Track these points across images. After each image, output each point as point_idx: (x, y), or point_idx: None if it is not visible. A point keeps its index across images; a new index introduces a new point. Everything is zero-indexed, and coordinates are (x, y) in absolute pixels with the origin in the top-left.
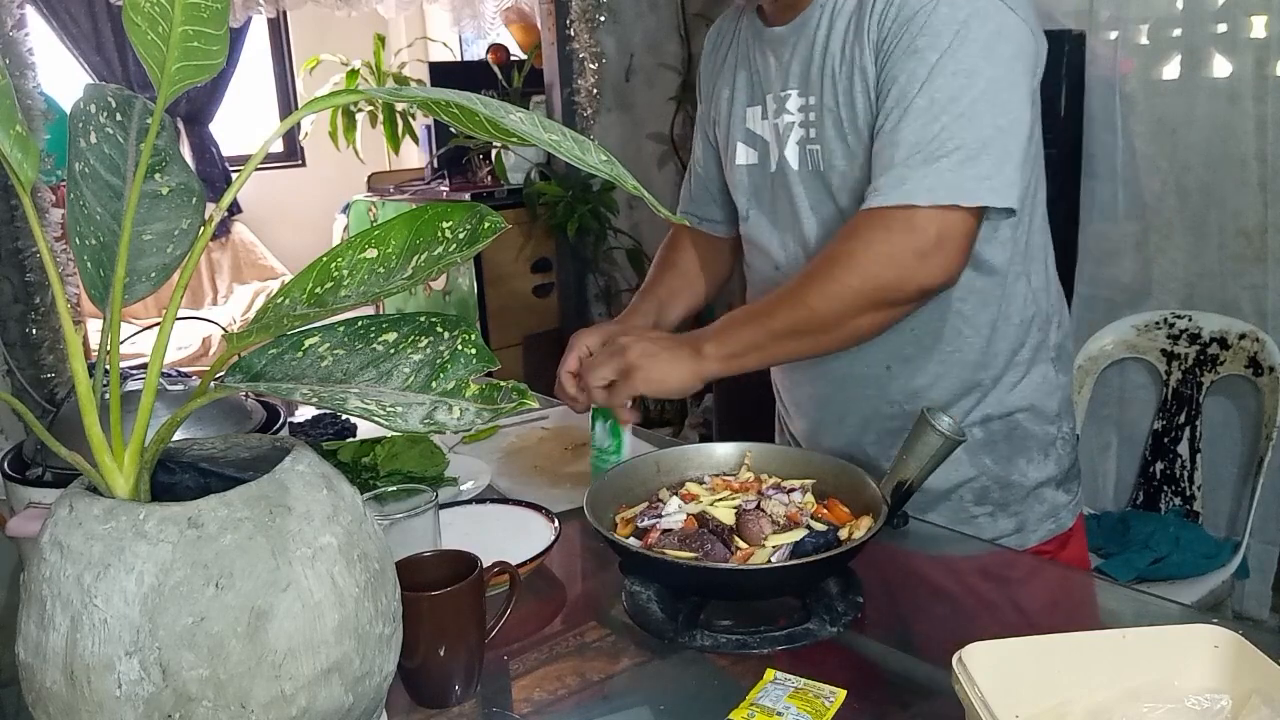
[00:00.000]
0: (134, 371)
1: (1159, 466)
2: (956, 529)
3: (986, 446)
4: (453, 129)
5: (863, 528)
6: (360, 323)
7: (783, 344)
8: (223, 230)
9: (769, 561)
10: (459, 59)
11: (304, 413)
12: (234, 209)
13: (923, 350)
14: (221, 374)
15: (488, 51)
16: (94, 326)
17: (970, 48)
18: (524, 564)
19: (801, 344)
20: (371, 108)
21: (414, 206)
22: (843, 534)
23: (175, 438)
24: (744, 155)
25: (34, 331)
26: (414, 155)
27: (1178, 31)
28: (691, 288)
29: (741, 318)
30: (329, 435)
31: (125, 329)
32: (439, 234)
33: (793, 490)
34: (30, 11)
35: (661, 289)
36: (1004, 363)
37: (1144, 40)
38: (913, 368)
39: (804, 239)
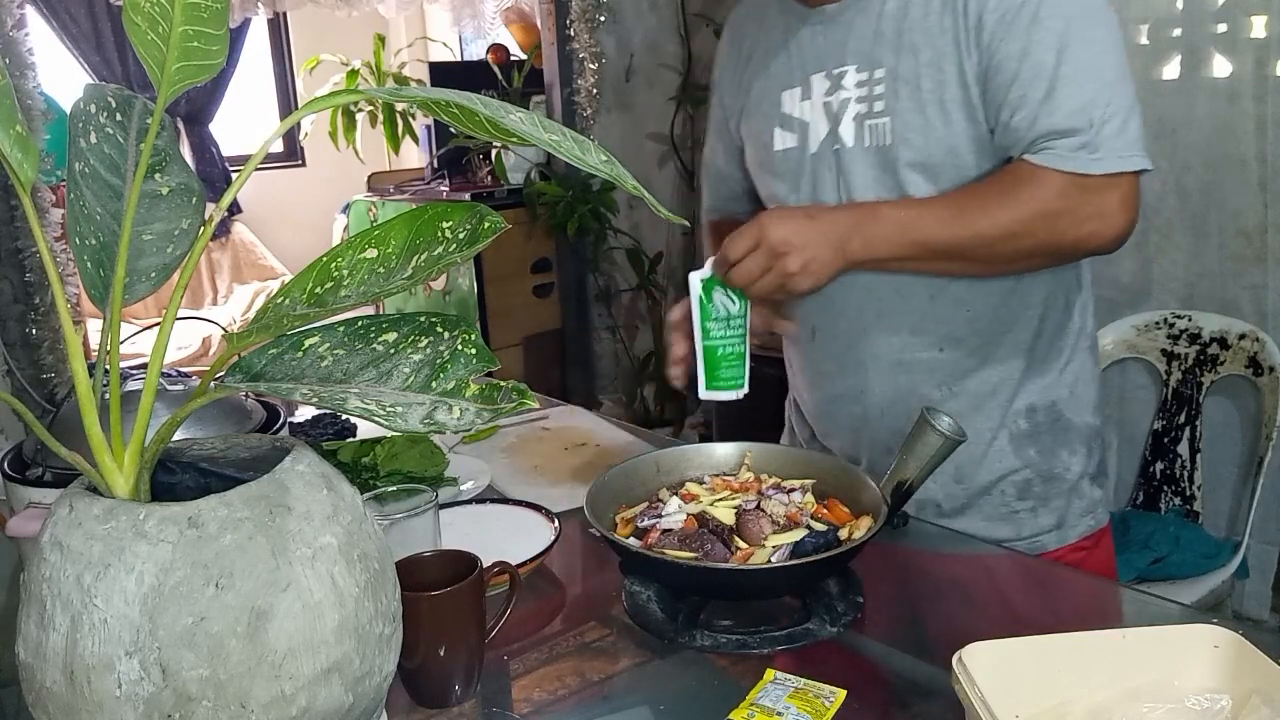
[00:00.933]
0: (134, 371)
1: (1159, 466)
2: (996, 527)
3: (1031, 437)
4: (453, 129)
5: (863, 528)
6: (360, 323)
7: (933, 263)
8: (223, 230)
9: (769, 561)
10: (459, 59)
11: (304, 413)
12: (234, 209)
13: (976, 331)
14: (221, 374)
15: (488, 51)
16: (94, 326)
17: (1093, 17)
18: (524, 564)
19: (952, 267)
20: (371, 108)
21: (414, 206)
22: (843, 534)
23: (175, 438)
24: (781, 140)
25: (34, 331)
26: (414, 155)
27: (1178, 31)
28: None
29: (896, 223)
30: (329, 435)
31: (125, 329)
32: (439, 234)
33: (793, 490)
34: (30, 11)
35: None
36: (1050, 346)
37: (1144, 40)
38: (965, 349)
39: None
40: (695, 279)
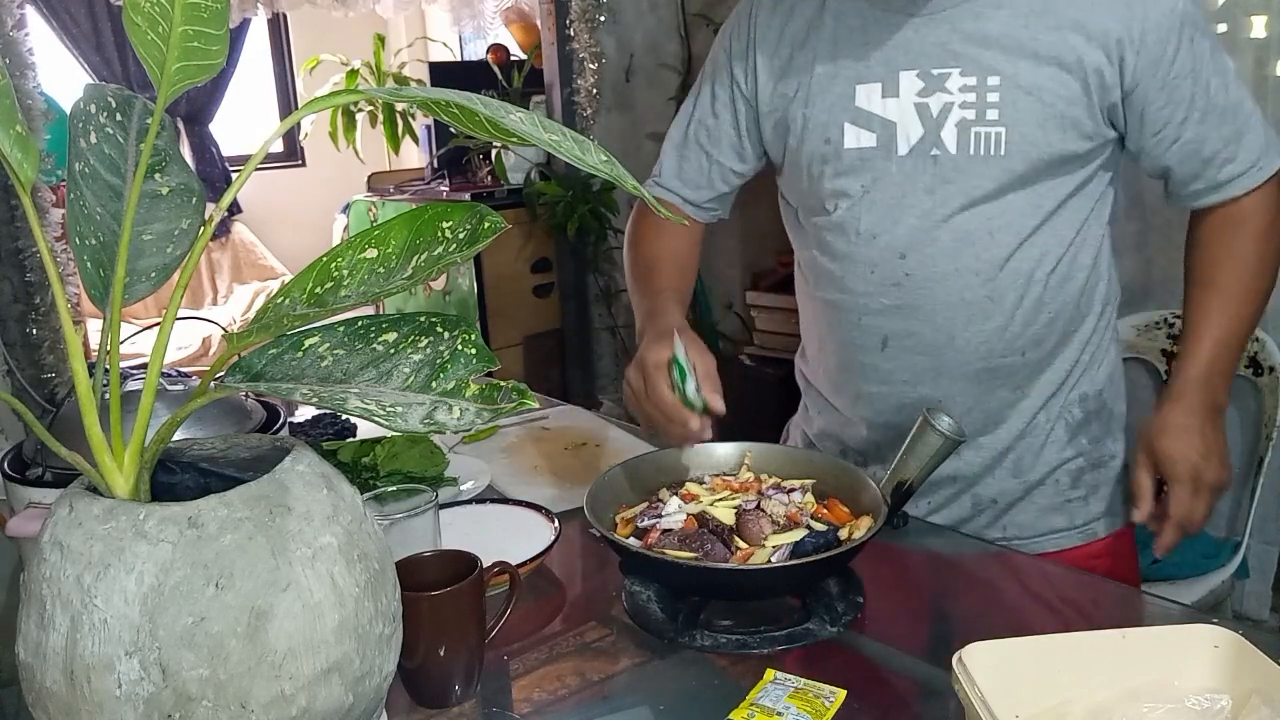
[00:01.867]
0: (134, 371)
1: None
2: (1051, 518)
3: (1083, 426)
4: (453, 129)
5: (863, 528)
6: (360, 323)
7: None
8: (223, 230)
9: (769, 561)
10: (459, 59)
11: (304, 413)
12: (234, 209)
13: (1054, 331)
14: (221, 374)
15: (488, 51)
16: (94, 326)
17: (1204, 24)
18: (524, 564)
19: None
20: (371, 108)
21: (414, 206)
22: (843, 534)
23: (175, 438)
24: (854, 137)
25: (34, 331)
26: (414, 155)
27: None
28: (689, 278)
29: (1227, 350)
30: (329, 435)
31: (125, 329)
32: (439, 234)
33: (793, 490)
34: (30, 11)
35: (674, 283)
36: (1099, 338)
37: None
38: (1043, 350)
39: (952, 224)
40: (684, 353)
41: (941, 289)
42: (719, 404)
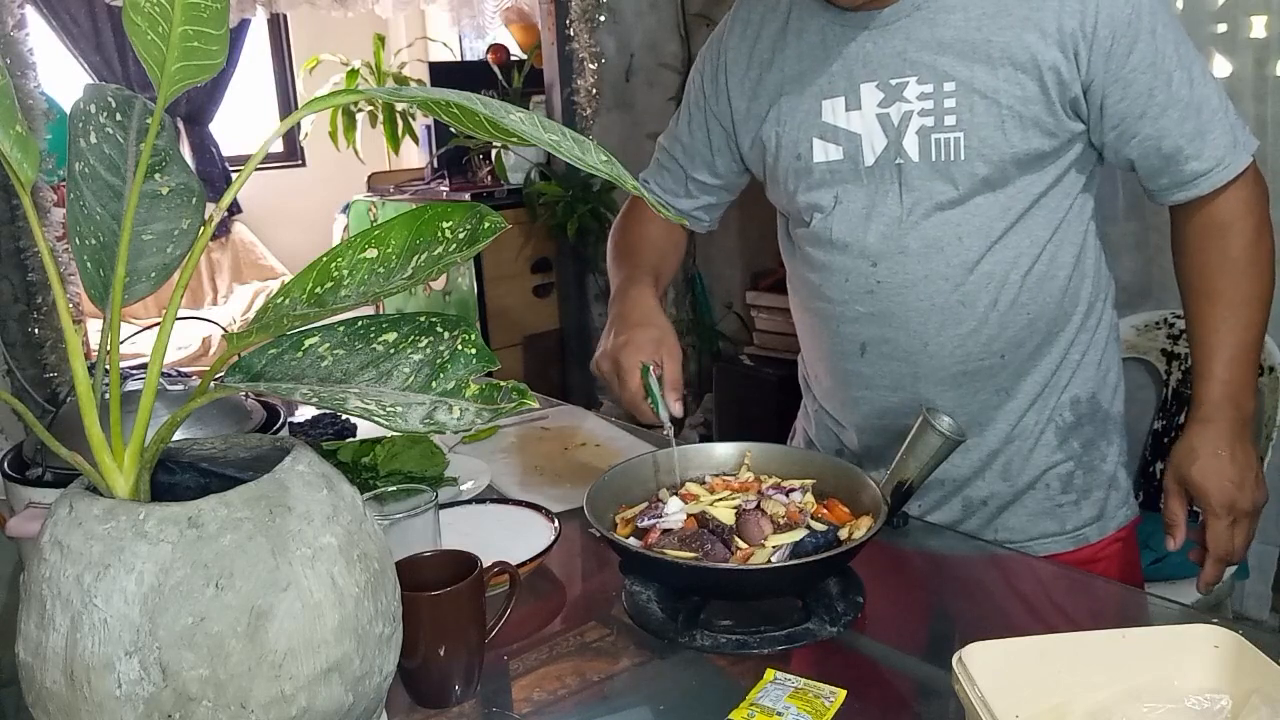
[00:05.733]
0: (134, 371)
1: (1159, 466)
2: (1041, 522)
3: (1075, 429)
4: (453, 129)
5: (863, 528)
6: (360, 323)
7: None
8: (223, 230)
9: (769, 561)
10: (459, 59)
11: (304, 413)
12: (234, 209)
13: (1035, 333)
14: (221, 374)
15: (487, 51)
16: (94, 326)
17: (1169, 18)
18: (524, 564)
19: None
20: (371, 108)
21: (414, 206)
22: (843, 534)
23: (175, 438)
24: (822, 152)
25: (35, 331)
26: (414, 155)
27: None
28: (667, 266)
29: (1244, 366)
30: (329, 435)
31: (125, 329)
32: (439, 234)
33: (793, 490)
34: (30, 11)
35: (652, 262)
36: (1091, 338)
37: None
38: (1024, 352)
39: (920, 231)
40: (656, 384)
41: (912, 295)
42: (679, 410)
